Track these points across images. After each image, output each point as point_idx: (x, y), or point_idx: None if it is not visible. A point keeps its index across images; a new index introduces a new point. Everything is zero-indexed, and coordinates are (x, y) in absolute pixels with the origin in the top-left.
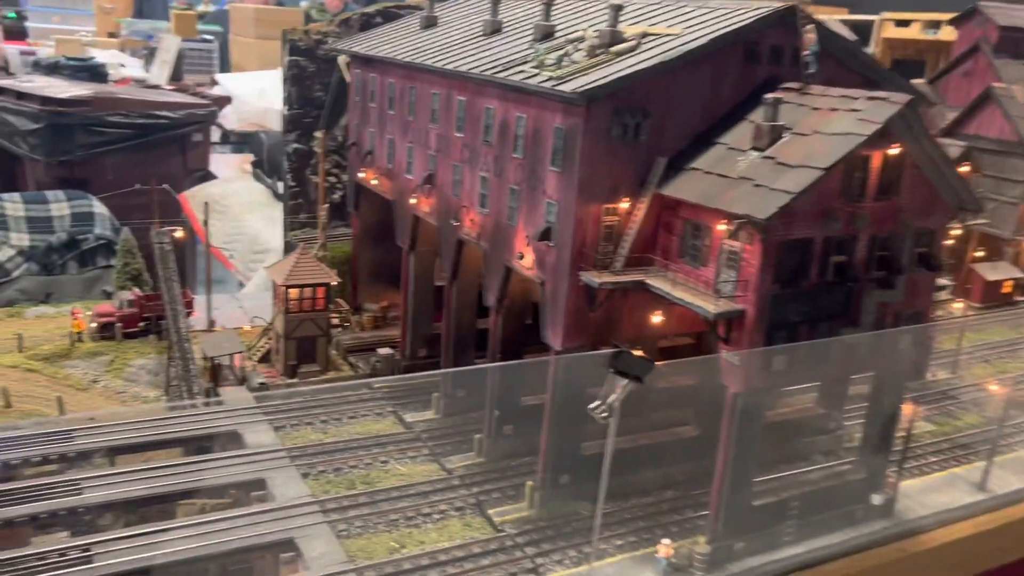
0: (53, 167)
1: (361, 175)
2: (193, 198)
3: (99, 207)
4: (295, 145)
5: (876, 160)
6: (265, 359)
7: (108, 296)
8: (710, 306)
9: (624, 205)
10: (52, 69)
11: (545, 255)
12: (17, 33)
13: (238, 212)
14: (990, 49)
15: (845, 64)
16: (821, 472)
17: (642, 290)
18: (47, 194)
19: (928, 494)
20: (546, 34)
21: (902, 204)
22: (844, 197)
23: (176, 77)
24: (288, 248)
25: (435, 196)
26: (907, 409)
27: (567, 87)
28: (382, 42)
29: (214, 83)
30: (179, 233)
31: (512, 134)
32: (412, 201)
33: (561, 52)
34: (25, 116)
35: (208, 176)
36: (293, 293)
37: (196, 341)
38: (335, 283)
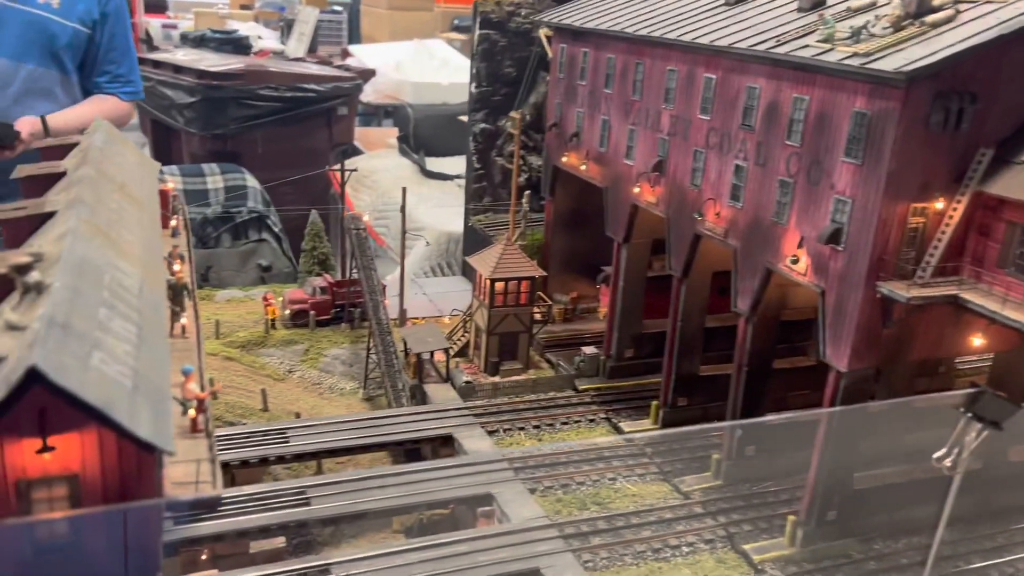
0: (207, 140)
1: (563, 159)
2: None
3: (251, 180)
4: (482, 125)
5: None
6: (461, 354)
7: (264, 271)
8: None
9: (938, 205)
10: (199, 42)
11: (829, 260)
12: (157, 6)
13: (387, 188)
14: None
15: None
16: None
17: (943, 305)
18: (203, 167)
19: None
20: (816, 2)
21: None
22: None
23: (311, 49)
24: (470, 235)
25: (665, 184)
26: None
27: (884, 65)
28: (596, 12)
29: (346, 55)
30: (367, 217)
31: (785, 118)
32: (635, 189)
33: (860, 24)
34: (181, 89)
35: (352, 151)
36: (499, 286)
37: (394, 332)
38: (541, 277)
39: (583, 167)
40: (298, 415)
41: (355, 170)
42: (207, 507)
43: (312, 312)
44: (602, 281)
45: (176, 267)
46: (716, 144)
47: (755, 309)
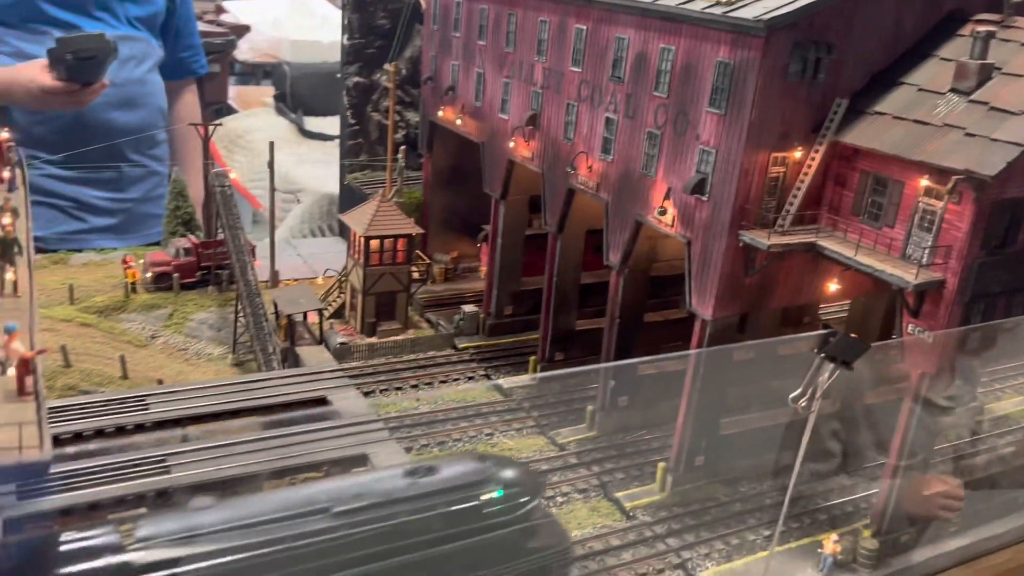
0: None
1: (439, 113)
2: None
3: None
4: (356, 79)
5: None
6: (337, 315)
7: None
8: (908, 276)
9: (797, 154)
10: None
11: (695, 211)
12: None
13: (263, 149)
14: None
15: None
16: (986, 456)
17: (803, 252)
18: None
19: None
20: None
21: None
22: None
23: None
24: (346, 193)
25: (539, 139)
26: None
27: (744, 13)
28: None
29: (220, 10)
30: (233, 175)
31: (652, 69)
32: (510, 144)
33: None
34: None
35: (226, 109)
36: (374, 245)
37: (264, 294)
38: (418, 234)
39: (459, 122)
40: (160, 382)
41: (218, 122)
42: (35, 473)
43: (176, 275)
44: (483, 240)
45: (6, 220)
46: (587, 97)
47: (626, 262)
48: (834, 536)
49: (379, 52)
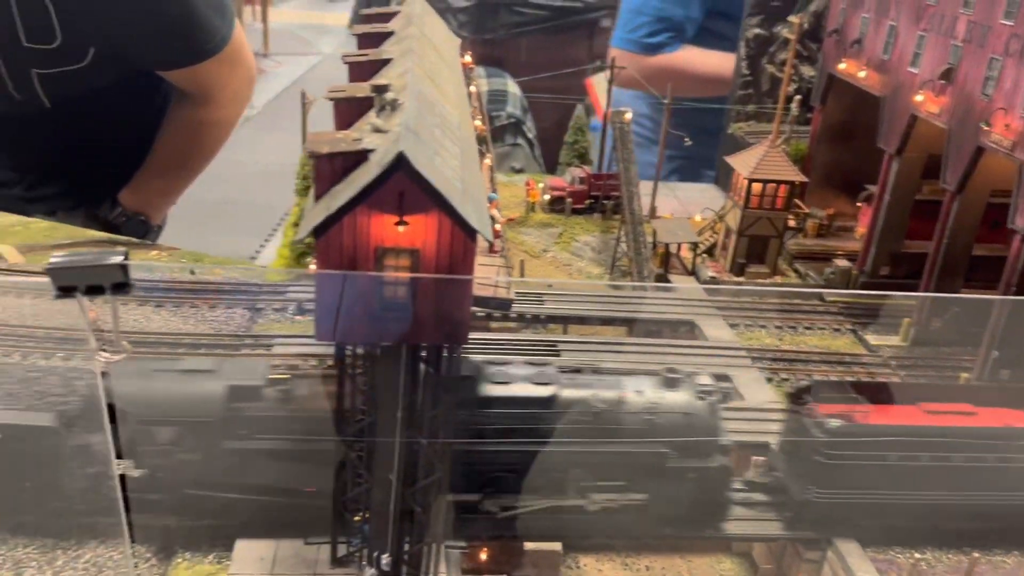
0: (478, 45)
1: (840, 66)
2: (598, 84)
3: (513, 86)
4: (756, 31)
5: None
6: (709, 253)
7: (516, 173)
8: None
9: None
10: None
11: None
12: None
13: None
14: None
15: None
16: None
17: None
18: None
19: None
20: None
21: None
22: None
23: None
24: (728, 141)
25: (950, 94)
26: None
27: None
28: None
29: None
30: (628, 115)
31: None
32: (916, 99)
33: None
34: None
35: (604, 66)
36: (755, 188)
37: (644, 225)
38: (801, 183)
39: (862, 75)
40: (550, 286)
41: (623, 67)
42: (501, 307)
43: (569, 200)
44: (864, 199)
45: (477, 122)
46: (1017, 52)
47: None
48: None
49: (783, 5)
